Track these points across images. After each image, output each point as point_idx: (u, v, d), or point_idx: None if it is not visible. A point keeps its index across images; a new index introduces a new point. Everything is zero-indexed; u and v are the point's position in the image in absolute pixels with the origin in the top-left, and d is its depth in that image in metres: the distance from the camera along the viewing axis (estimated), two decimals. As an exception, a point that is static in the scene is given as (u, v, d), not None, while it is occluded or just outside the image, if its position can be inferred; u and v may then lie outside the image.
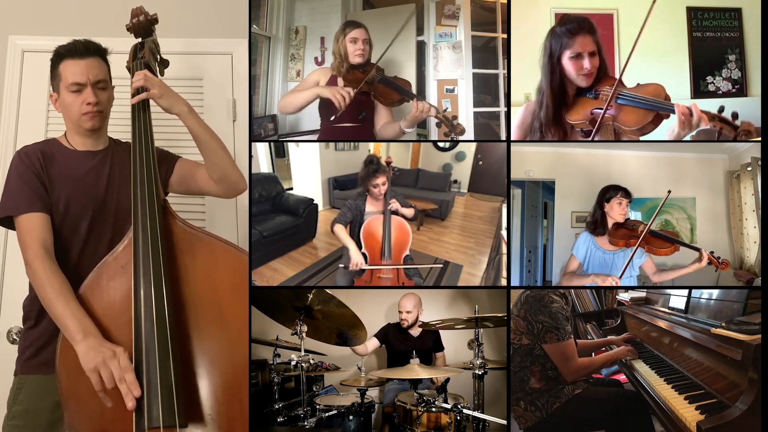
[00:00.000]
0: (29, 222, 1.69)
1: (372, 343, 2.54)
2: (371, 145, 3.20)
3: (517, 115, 2.02)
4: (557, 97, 1.91)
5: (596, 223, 2.17)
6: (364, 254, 2.28)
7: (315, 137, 2.43)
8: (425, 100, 2.15)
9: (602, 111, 1.82)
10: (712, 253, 2.02)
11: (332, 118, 2.18)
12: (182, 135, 1.96)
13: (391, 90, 2.20)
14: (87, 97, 1.82)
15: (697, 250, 2.04)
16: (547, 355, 1.96)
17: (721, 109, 1.77)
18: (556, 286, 2.46)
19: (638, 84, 1.89)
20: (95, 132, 1.89)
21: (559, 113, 1.92)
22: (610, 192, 2.15)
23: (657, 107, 1.80)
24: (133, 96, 1.84)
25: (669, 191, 2.09)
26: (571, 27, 1.84)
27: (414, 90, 2.30)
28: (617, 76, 1.88)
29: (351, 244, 2.26)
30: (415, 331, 2.56)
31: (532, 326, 1.95)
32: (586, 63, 1.84)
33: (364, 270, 2.25)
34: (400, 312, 2.54)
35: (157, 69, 2.03)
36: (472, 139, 2.61)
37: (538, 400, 1.95)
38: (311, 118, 2.39)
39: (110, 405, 1.46)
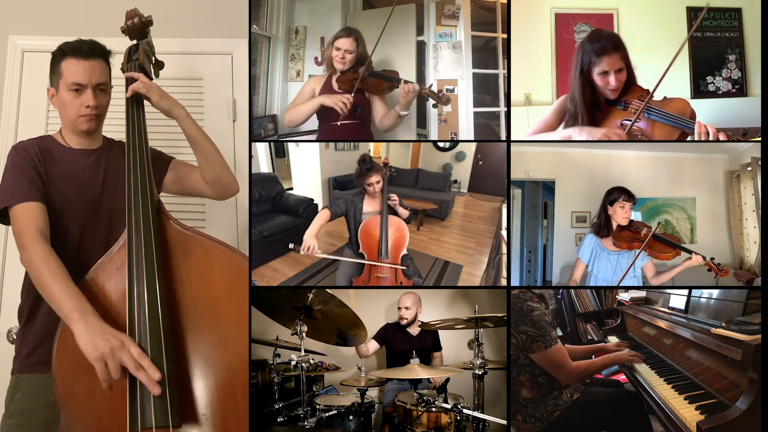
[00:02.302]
0: (26, 209, 1.67)
1: (372, 345, 2.55)
2: (371, 145, 3.20)
3: (553, 105, 2.07)
4: (590, 107, 1.95)
5: (600, 226, 2.17)
6: (361, 254, 2.29)
7: (315, 137, 2.44)
8: (411, 82, 2.24)
9: (630, 123, 1.89)
10: (712, 259, 2.01)
11: (338, 123, 2.25)
12: (176, 136, 1.97)
13: (380, 80, 2.27)
14: (87, 100, 1.80)
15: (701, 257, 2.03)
16: (534, 362, 1.91)
17: (745, 132, 1.91)
18: (556, 285, 2.47)
19: (665, 98, 1.92)
20: (91, 133, 1.89)
21: (592, 121, 1.96)
22: (613, 195, 2.15)
23: (684, 126, 1.87)
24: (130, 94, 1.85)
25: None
26: (597, 47, 1.89)
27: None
28: (643, 85, 1.93)
29: (312, 229, 2.22)
30: (415, 330, 2.57)
31: (516, 338, 1.91)
32: (612, 81, 1.90)
33: (359, 267, 2.25)
34: (399, 308, 2.55)
35: (152, 71, 2.03)
36: (472, 139, 2.61)
37: (536, 411, 1.92)
38: (311, 119, 2.40)
39: (110, 393, 1.45)
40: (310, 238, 2.18)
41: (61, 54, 1.83)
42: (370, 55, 2.27)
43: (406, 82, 2.23)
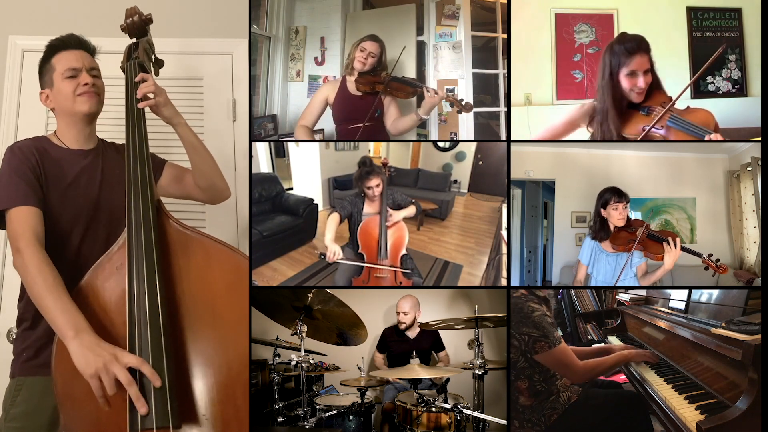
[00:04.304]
0: (23, 213, 1.66)
1: (379, 358, 2.57)
2: (371, 145, 3.20)
3: (565, 114, 2.08)
4: (619, 112, 1.94)
5: (597, 230, 2.15)
6: (361, 254, 2.29)
7: (316, 137, 2.44)
8: (434, 89, 2.29)
9: (649, 128, 1.89)
10: (710, 256, 2.00)
11: (363, 124, 2.26)
12: (171, 139, 1.98)
13: (404, 85, 2.29)
14: (83, 79, 1.84)
15: (697, 255, 2.01)
16: (534, 367, 1.90)
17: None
18: (556, 285, 2.47)
19: (688, 107, 1.92)
20: (88, 123, 1.88)
21: (616, 126, 1.95)
22: (604, 197, 2.13)
23: (704, 137, 1.86)
24: (138, 100, 1.84)
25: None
26: (629, 47, 1.89)
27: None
28: (668, 93, 1.92)
29: (329, 234, 2.23)
30: (412, 333, 2.57)
31: (518, 340, 1.89)
32: (641, 82, 1.89)
33: (359, 267, 2.25)
34: (397, 313, 2.55)
35: (152, 69, 2.03)
36: (472, 139, 2.61)
37: (533, 416, 1.91)
38: (321, 118, 2.40)
39: (108, 409, 1.45)
40: (332, 243, 2.19)
41: (51, 51, 1.88)
42: (396, 59, 2.31)
43: (428, 89, 2.25)
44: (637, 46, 1.88)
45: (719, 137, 1.82)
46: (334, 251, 2.16)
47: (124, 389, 1.44)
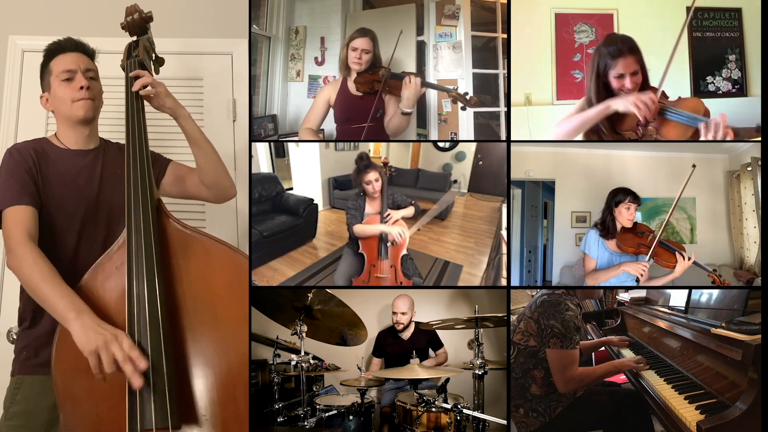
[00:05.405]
0: (15, 213, 1.67)
1: (376, 363, 2.58)
2: (371, 145, 3.20)
3: (577, 103, 2.05)
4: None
5: (606, 227, 2.14)
6: (361, 254, 2.28)
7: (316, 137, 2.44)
8: (415, 75, 2.22)
9: (645, 124, 1.91)
10: (714, 271, 2.00)
11: (365, 125, 2.25)
12: (174, 137, 1.98)
13: (401, 81, 2.24)
14: (79, 81, 1.83)
15: (705, 269, 2.01)
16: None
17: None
18: (557, 285, 2.46)
19: (679, 97, 1.93)
20: (87, 125, 1.88)
21: (609, 123, 1.96)
22: (618, 196, 2.12)
23: (698, 123, 1.86)
24: (138, 96, 1.83)
25: (694, 165, 2.06)
26: (613, 50, 1.90)
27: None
28: (657, 86, 1.91)
29: (382, 226, 2.27)
30: (407, 334, 2.56)
31: (542, 330, 1.93)
32: (628, 83, 1.90)
33: (359, 266, 2.26)
34: (394, 313, 2.54)
35: (152, 67, 2.02)
36: (472, 139, 2.61)
37: (539, 406, 1.93)
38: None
39: (105, 383, 1.45)
40: (391, 227, 2.25)
41: (49, 54, 1.89)
42: (390, 57, 2.27)
43: (408, 74, 2.20)
44: (619, 49, 1.89)
45: (717, 122, 1.81)
46: (399, 232, 2.23)
47: (123, 389, 1.45)
